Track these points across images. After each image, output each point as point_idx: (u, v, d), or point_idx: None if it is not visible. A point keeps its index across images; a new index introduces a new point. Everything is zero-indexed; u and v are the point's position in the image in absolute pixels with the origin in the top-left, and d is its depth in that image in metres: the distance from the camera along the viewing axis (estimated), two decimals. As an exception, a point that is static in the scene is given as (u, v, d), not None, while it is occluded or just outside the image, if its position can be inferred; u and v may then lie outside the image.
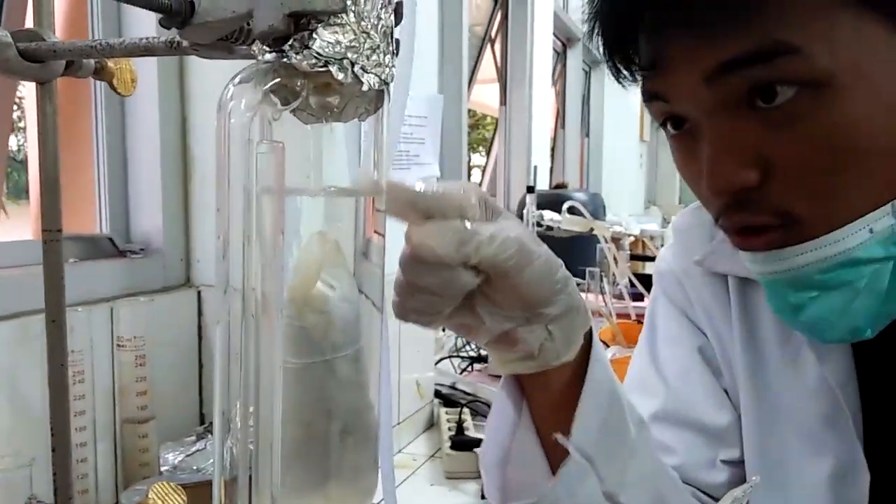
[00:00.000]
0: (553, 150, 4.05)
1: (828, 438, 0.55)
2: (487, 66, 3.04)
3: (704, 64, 0.43)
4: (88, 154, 1.08)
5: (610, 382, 0.47)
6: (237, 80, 0.27)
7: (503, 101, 2.97)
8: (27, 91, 1.20)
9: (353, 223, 0.35)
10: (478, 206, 0.38)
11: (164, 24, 0.31)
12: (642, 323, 1.53)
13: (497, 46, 3.02)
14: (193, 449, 0.95)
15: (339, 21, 0.28)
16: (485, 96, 3.34)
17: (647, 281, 2.21)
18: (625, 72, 0.51)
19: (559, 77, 4.02)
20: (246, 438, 0.29)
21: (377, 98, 0.31)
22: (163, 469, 0.91)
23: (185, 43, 0.34)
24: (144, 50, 0.37)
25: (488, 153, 3.43)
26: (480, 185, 3.60)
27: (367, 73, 0.29)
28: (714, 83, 0.43)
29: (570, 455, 0.43)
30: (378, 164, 0.35)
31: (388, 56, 0.31)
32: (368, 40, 0.30)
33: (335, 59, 0.28)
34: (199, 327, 1.09)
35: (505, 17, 2.94)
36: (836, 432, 0.54)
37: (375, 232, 0.36)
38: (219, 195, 0.32)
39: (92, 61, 0.40)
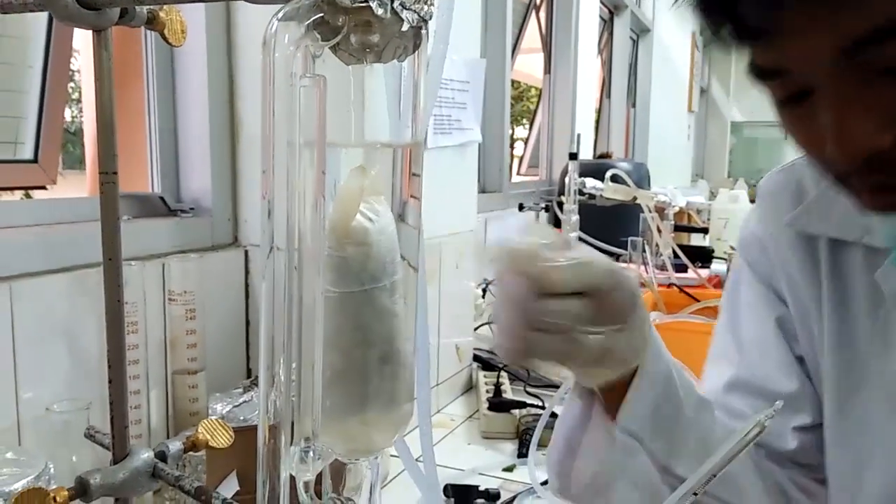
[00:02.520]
0: (598, 120, 4.00)
1: None
2: (532, 36, 3.01)
3: (843, 31, 0.40)
4: (141, 117, 1.11)
5: (665, 368, 0.52)
6: (280, 15, 0.28)
7: (547, 70, 2.94)
8: (82, 64, 1.24)
9: (391, 183, 0.36)
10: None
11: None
12: (683, 291, 1.51)
13: (542, 14, 2.98)
14: (240, 400, 0.99)
15: (379, -40, 0.29)
16: (529, 66, 3.31)
17: (692, 253, 2.18)
18: (730, 41, 0.46)
19: (605, 45, 3.94)
20: (290, 363, 0.31)
21: (415, 37, 0.32)
22: (211, 419, 0.95)
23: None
24: (194, -3, 0.38)
25: (531, 125, 3.40)
26: (522, 157, 3.57)
27: (406, 9, 0.30)
28: (852, 53, 0.40)
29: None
30: (416, 107, 0.36)
31: (428, -6, 0.32)
32: (408, -21, 0.30)
33: (375, -4, 0.29)
34: (247, 285, 1.13)
35: (550, -16, 2.89)
36: None
37: (412, 196, 0.37)
38: (264, 149, 0.33)
39: (144, 10, 0.42)
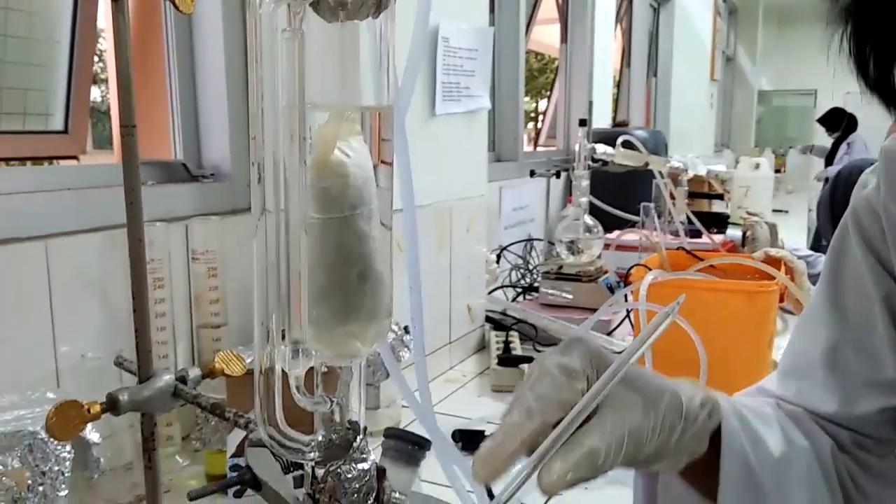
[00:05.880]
0: (618, 89, 3.99)
1: None
2: (553, 6, 3.01)
3: None
4: (163, 88, 1.17)
5: (738, 461, 0.53)
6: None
7: (564, 40, 2.94)
8: (108, 44, 1.30)
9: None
10: (585, 377, 0.44)
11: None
12: (689, 252, 1.54)
13: (559, -17, 2.98)
14: (260, 352, 1.05)
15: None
16: (552, 37, 3.31)
17: (708, 219, 2.20)
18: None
19: (625, 14, 3.92)
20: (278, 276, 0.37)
21: (384, -6, 0.36)
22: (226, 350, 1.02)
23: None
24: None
25: (549, 95, 3.41)
26: (541, 129, 3.58)
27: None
28: None
29: None
30: (388, 69, 0.40)
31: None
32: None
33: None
34: (265, 247, 1.19)
35: (566, -48, 2.89)
36: None
37: (382, 162, 0.41)
38: (252, 113, 0.38)
39: (156, -21, 0.47)
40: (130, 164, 0.48)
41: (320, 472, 0.40)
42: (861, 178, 0.63)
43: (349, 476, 0.39)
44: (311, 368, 0.40)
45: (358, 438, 0.40)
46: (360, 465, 0.39)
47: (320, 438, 0.39)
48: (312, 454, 0.39)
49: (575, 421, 0.42)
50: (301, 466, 0.43)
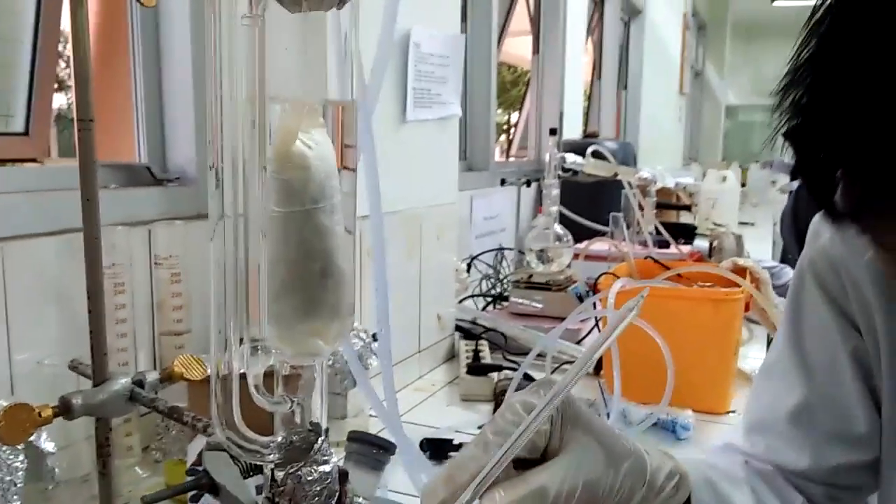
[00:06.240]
0: (589, 101, 4.03)
1: None
2: (522, 19, 3.03)
3: None
4: (128, 90, 1.15)
5: None
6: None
7: (536, 51, 2.97)
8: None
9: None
10: (549, 417, 0.43)
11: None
12: (656, 261, 1.56)
13: (531, -4, 3.01)
14: (224, 360, 1.03)
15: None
16: (525, 49, 3.33)
17: (676, 229, 2.22)
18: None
19: (596, 26, 3.97)
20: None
21: (348, -15, 0.36)
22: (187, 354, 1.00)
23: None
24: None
25: (521, 108, 3.43)
26: (512, 140, 3.60)
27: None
28: None
29: None
30: (354, 62, 0.39)
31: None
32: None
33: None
34: (231, 253, 1.17)
35: (538, -36, 2.91)
36: None
37: (345, 167, 0.40)
38: (209, 106, 0.37)
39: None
40: (86, 159, 0.47)
41: (280, 474, 0.38)
42: (812, 225, 0.63)
43: (310, 478, 0.38)
44: (272, 371, 0.39)
45: (319, 440, 0.39)
46: (321, 468, 0.38)
47: (280, 440, 0.38)
48: (272, 456, 0.37)
49: (521, 439, 0.40)
50: (260, 470, 0.42)
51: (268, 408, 0.37)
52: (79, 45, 0.45)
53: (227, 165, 0.37)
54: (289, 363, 0.38)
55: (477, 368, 1.29)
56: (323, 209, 0.37)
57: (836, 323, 0.60)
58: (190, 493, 0.46)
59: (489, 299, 1.83)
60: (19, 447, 0.72)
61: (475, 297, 1.83)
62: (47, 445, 0.77)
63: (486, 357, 1.37)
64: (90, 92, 0.46)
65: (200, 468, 0.40)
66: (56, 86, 1.27)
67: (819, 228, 0.62)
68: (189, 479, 0.39)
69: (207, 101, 0.37)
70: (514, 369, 1.30)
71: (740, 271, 1.38)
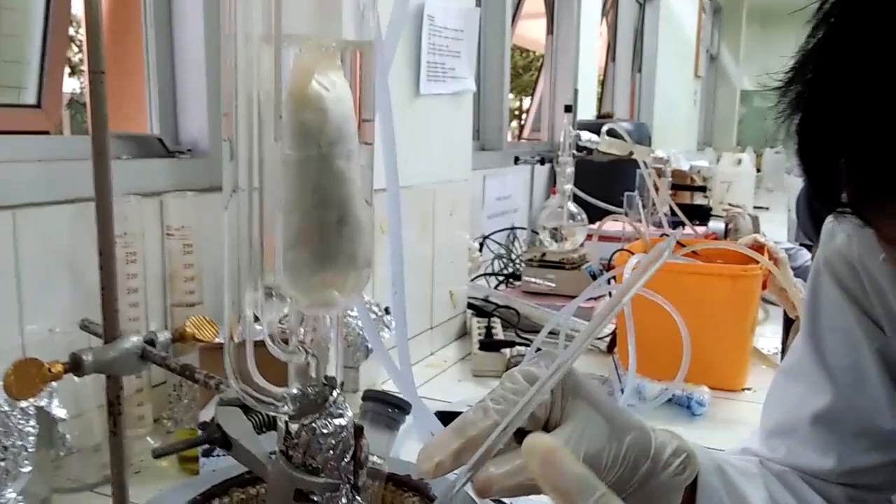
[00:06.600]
0: (602, 84, 3.99)
1: None
2: (535, 1, 2.99)
3: None
4: (140, 62, 1.14)
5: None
6: None
7: (550, 31, 2.93)
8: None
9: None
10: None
11: None
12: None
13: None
14: (237, 332, 1.03)
15: None
16: (538, 32, 3.29)
17: (691, 211, 2.20)
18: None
19: (610, 8, 3.92)
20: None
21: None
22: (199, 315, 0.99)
23: None
24: None
25: (533, 93, 3.40)
26: (525, 123, 3.57)
27: None
28: None
29: None
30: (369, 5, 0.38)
31: None
32: None
33: None
34: (243, 226, 1.16)
35: (553, -57, 2.87)
36: None
37: (364, 143, 0.39)
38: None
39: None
40: (98, 110, 0.46)
41: (294, 427, 0.37)
42: (825, 225, 0.62)
43: (325, 431, 0.37)
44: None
45: (334, 392, 0.38)
46: (336, 421, 0.37)
47: (294, 391, 0.37)
48: (286, 408, 0.37)
49: (525, 409, 0.40)
50: (274, 426, 0.41)
51: (283, 357, 0.36)
52: (90, 2, 0.44)
53: (241, 130, 0.36)
54: (304, 312, 0.37)
55: (489, 344, 1.28)
56: (339, 153, 0.35)
57: (859, 323, 0.60)
58: (201, 448, 0.45)
59: (501, 278, 1.82)
60: (31, 412, 0.72)
61: (487, 276, 1.82)
62: (59, 412, 0.76)
63: (499, 334, 1.36)
64: (101, 43, 0.45)
65: (212, 422, 0.40)
66: (69, 70, 1.26)
67: (833, 228, 0.62)
68: (201, 433, 0.39)
69: (222, 41, 0.36)
70: (527, 345, 1.29)
71: (759, 248, 1.36)
